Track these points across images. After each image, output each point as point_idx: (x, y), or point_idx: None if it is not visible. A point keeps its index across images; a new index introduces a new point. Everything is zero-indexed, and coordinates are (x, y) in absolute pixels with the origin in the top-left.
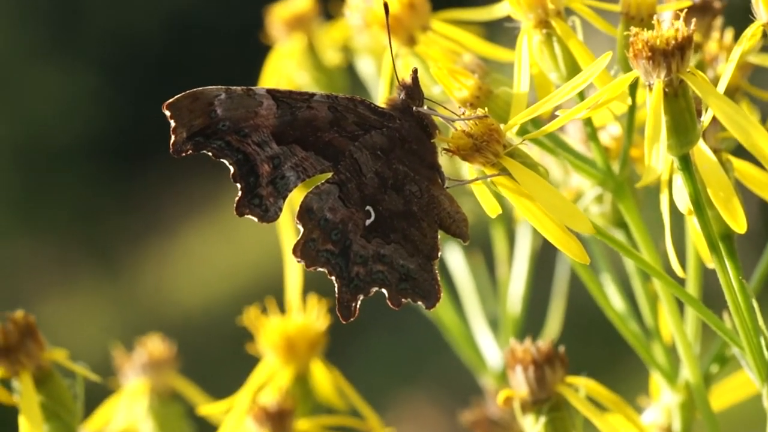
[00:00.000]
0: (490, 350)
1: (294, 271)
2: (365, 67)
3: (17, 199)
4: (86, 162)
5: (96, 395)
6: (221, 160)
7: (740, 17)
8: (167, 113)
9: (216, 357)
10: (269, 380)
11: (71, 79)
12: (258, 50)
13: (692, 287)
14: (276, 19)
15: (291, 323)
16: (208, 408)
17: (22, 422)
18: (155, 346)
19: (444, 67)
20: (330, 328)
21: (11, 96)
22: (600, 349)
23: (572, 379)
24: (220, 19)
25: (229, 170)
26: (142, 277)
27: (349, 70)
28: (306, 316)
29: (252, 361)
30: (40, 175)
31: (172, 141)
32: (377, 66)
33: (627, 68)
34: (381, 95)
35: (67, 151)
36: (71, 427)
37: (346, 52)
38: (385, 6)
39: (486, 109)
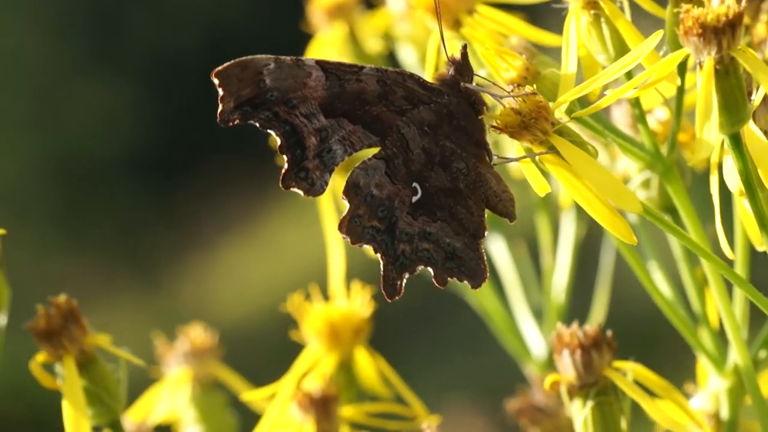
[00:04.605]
0: (535, 340)
1: (338, 258)
2: (407, 55)
3: (59, 213)
4: (127, 176)
5: (139, 388)
6: (268, 131)
7: None
8: (216, 81)
9: (255, 370)
10: (313, 367)
11: (112, 93)
12: None
13: (741, 269)
14: (317, 7)
15: (335, 310)
16: (251, 394)
17: (66, 407)
18: (197, 335)
19: (491, 48)
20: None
21: (52, 111)
22: (644, 338)
23: (619, 364)
24: (260, 34)
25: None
26: (182, 290)
27: (390, 58)
28: (350, 302)
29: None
30: (81, 190)
31: (219, 110)
32: (419, 54)
33: (676, 48)
34: None
35: (108, 165)
36: (115, 411)
37: (387, 41)
38: None
39: (534, 87)
